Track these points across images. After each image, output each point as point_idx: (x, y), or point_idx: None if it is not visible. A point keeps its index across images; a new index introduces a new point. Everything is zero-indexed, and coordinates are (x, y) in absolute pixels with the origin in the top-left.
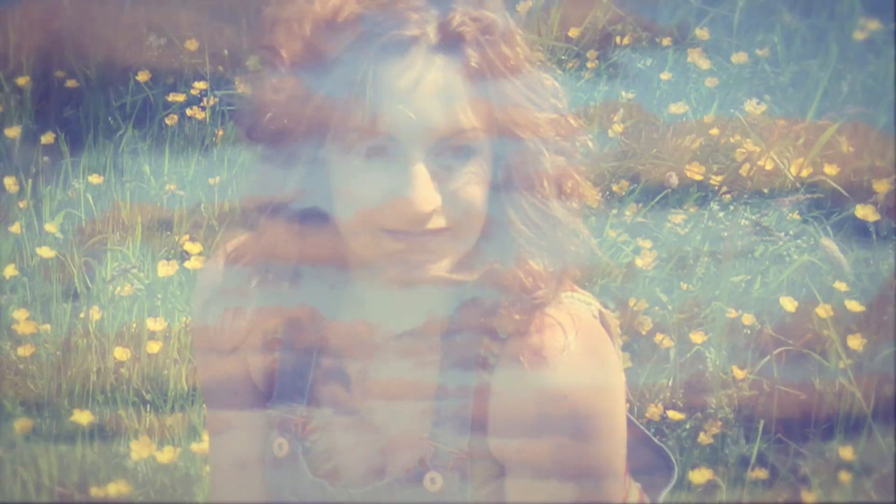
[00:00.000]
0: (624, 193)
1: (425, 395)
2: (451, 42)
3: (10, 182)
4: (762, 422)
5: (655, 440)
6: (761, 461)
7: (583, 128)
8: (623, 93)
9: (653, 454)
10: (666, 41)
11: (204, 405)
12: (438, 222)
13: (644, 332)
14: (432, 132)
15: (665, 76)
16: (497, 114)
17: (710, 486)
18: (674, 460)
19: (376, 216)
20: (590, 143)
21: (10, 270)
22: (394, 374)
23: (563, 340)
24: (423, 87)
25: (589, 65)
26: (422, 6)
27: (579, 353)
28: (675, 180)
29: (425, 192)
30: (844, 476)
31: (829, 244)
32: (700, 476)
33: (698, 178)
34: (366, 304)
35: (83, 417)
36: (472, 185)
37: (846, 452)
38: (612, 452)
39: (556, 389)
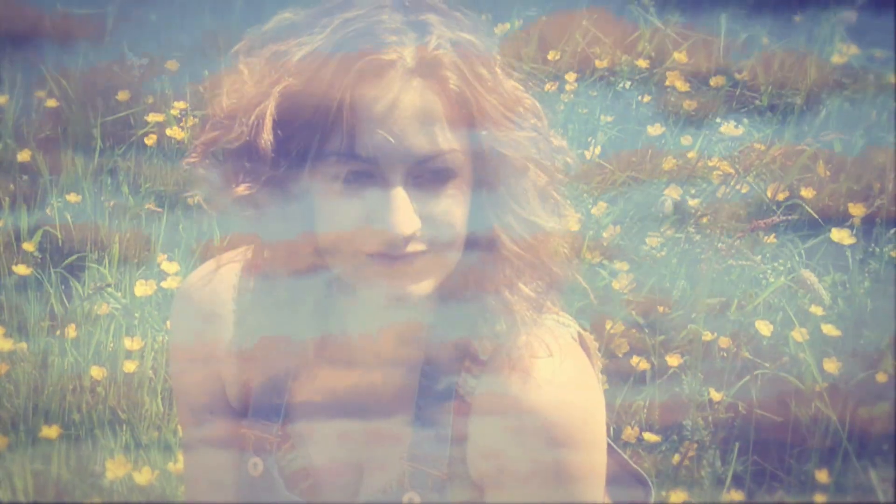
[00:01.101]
0: (601, 215)
1: (404, 414)
2: (428, 65)
3: None
4: (738, 444)
5: (632, 463)
6: (737, 483)
7: (564, 146)
8: (602, 116)
9: (629, 477)
10: (643, 63)
11: (179, 423)
12: (418, 245)
13: (620, 355)
14: (411, 155)
15: (644, 98)
16: (478, 134)
17: None
18: (651, 484)
19: (356, 240)
20: (570, 161)
21: None
22: (372, 394)
23: (544, 363)
24: (401, 111)
25: (567, 87)
26: (399, 29)
27: (559, 375)
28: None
29: (404, 216)
30: (820, 498)
31: (809, 276)
32: (676, 498)
33: (675, 196)
34: (347, 322)
35: (52, 432)
36: (452, 206)
37: (822, 475)
38: (590, 475)
39: (535, 411)
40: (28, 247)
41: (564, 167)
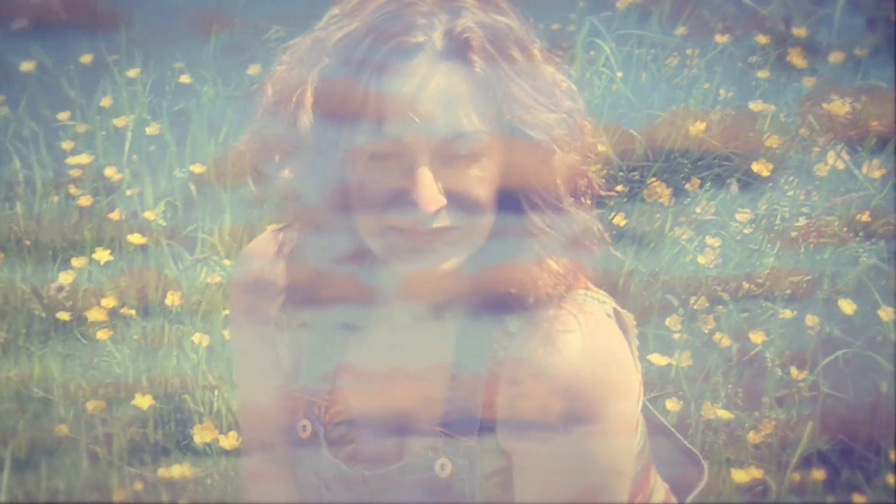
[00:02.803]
0: (693, 190)
1: (439, 384)
2: (456, 48)
3: (111, 171)
4: (818, 422)
5: (685, 442)
6: (823, 462)
7: (595, 129)
8: (721, 91)
9: (682, 456)
10: (764, 39)
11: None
12: (444, 222)
13: (706, 331)
14: (436, 136)
15: (762, 74)
16: (505, 116)
17: (760, 488)
18: (703, 462)
19: (385, 216)
20: (601, 147)
21: (104, 256)
22: (411, 363)
23: (572, 335)
24: (428, 93)
25: (691, 62)
26: (430, 12)
27: (587, 348)
28: (735, 188)
29: (429, 194)
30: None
31: None
32: (745, 475)
33: (765, 174)
34: (387, 294)
35: (144, 402)
36: (477, 186)
37: None
38: (616, 448)
39: (562, 382)
40: (149, 215)
41: (594, 148)
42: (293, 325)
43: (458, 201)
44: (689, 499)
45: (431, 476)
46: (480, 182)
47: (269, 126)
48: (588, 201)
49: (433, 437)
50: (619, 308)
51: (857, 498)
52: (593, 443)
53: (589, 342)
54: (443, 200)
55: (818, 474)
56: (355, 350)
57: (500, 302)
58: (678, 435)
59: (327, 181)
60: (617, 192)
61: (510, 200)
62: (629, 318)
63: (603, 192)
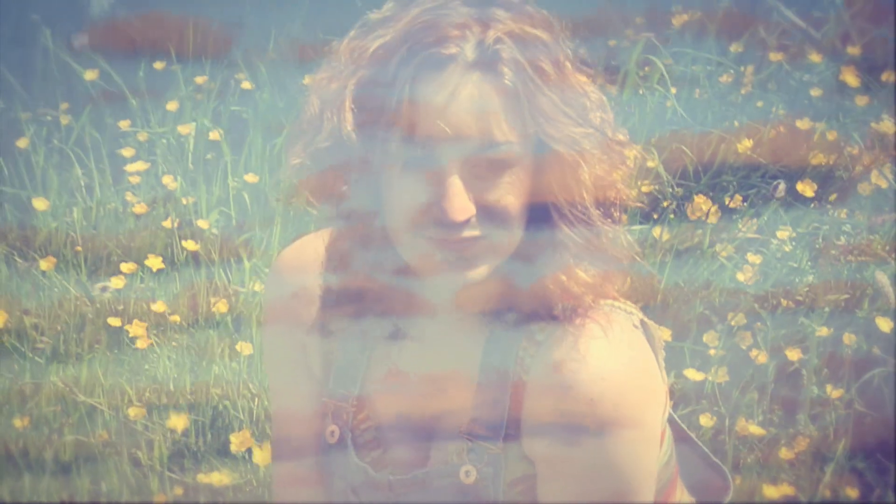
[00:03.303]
0: (738, 206)
1: (466, 392)
2: (487, 60)
3: (168, 179)
4: (847, 441)
5: (711, 455)
6: (859, 479)
7: (625, 140)
8: (774, 109)
9: (709, 469)
10: (817, 58)
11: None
12: (474, 231)
13: (743, 347)
14: (467, 145)
15: (815, 92)
16: (531, 129)
17: (792, 501)
18: (730, 477)
19: (416, 223)
20: (635, 154)
21: (156, 263)
22: (439, 370)
23: (598, 344)
24: (459, 103)
25: (745, 80)
26: (463, 24)
27: (613, 357)
28: (781, 190)
29: (459, 202)
30: None
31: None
32: (776, 491)
33: (809, 194)
34: (417, 301)
35: (179, 423)
36: (507, 195)
37: None
38: (639, 457)
39: (587, 391)
40: (203, 224)
41: (624, 160)
42: (326, 332)
43: (488, 211)
44: None
45: (456, 482)
46: (510, 192)
47: (316, 139)
48: (617, 213)
49: (459, 443)
50: (646, 319)
51: None
52: (617, 452)
53: (615, 352)
54: (473, 210)
55: (852, 492)
56: (384, 358)
57: (527, 311)
58: (705, 449)
59: (371, 191)
60: (663, 206)
61: (540, 211)
62: (656, 329)
63: (633, 204)
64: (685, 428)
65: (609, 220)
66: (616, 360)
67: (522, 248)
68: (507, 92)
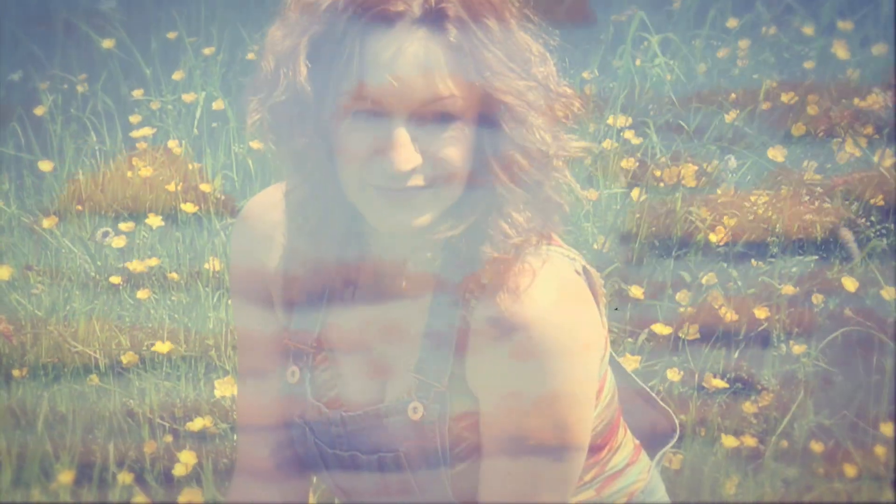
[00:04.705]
0: (714, 172)
1: (415, 332)
2: (432, 16)
3: (173, 144)
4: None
5: (659, 401)
6: (825, 435)
7: (569, 92)
8: (766, 81)
9: (655, 412)
10: (808, 30)
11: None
12: (418, 180)
13: (716, 306)
14: (412, 98)
15: (808, 65)
16: (477, 83)
17: (753, 453)
18: (676, 421)
19: (364, 173)
20: (576, 105)
21: (156, 221)
22: (391, 312)
23: (537, 285)
24: (405, 58)
25: (740, 53)
26: None
27: (549, 297)
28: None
29: (405, 153)
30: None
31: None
32: (735, 442)
33: (779, 160)
34: (370, 246)
35: (164, 347)
36: (451, 147)
37: (887, 429)
38: (574, 395)
39: (523, 328)
40: (205, 187)
41: (569, 112)
42: (288, 278)
43: (432, 161)
44: (660, 453)
45: (404, 418)
46: (454, 144)
47: (273, 94)
48: (560, 162)
49: (408, 381)
50: (588, 266)
51: (848, 469)
52: (554, 387)
53: (552, 290)
54: (418, 160)
55: (817, 447)
56: (341, 303)
57: (472, 256)
58: (651, 392)
59: (322, 142)
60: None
61: (482, 161)
62: (597, 276)
63: (576, 154)
64: (630, 373)
65: (552, 169)
66: (553, 298)
67: (465, 197)
68: (452, 48)
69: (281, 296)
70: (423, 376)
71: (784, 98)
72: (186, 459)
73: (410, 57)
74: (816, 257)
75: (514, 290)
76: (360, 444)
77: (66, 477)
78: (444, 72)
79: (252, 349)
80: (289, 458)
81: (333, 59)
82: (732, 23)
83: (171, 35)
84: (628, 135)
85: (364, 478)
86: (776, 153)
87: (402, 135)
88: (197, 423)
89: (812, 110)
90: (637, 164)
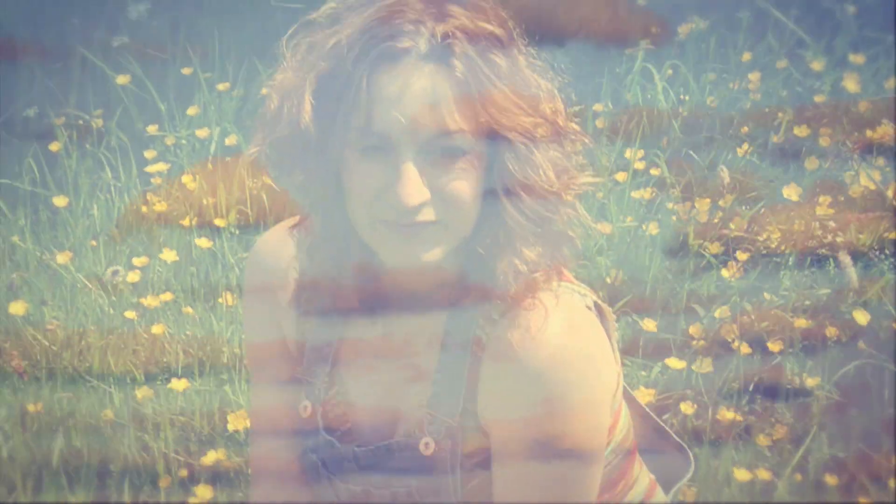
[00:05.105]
0: (727, 206)
1: (428, 370)
2: (439, 52)
3: (188, 179)
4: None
5: (672, 433)
6: (838, 468)
7: (577, 129)
8: (779, 114)
9: (669, 447)
10: (818, 65)
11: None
12: (428, 215)
13: (729, 339)
14: (420, 133)
15: (818, 98)
16: (483, 118)
17: (768, 486)
18: (690, 453)
19: (373, 208)
20: (586, 141)
21: (171, 256)
22: (403, 347)
23: (548, 323)
24: (412, 93)
25: (750, 86)
26: (417, 19)
27: (561, 335)
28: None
29: (413, 188)
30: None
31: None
32: (746, 474)
33: (795, 199)
34: (381, 282)
35: (179, 385)
36: (460, 181)
37: None
38: (585, 434)
39: (536, 368)
40: (220, 222)
41: (576, 148)
42: (300, 313)
43: (441, 196)
44: (675, 487)
45: (416, 454)
46: (463, 178)
47: (276, 129)
48: (570, 197)
49: (419, 417)
50: (600, 301)
51: (861, 500)
52: (565, 426)
53: (563, 329)
54: (427, 195)
55: (831, 480)
56: (354, 338)
57: (482, 293)
58: (666, 427)
59: (329, 178)
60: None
61: (492, 197)
62: (609, 312)
63: (585, 188)
64: (645, 407)
65: (561, 204)
66: (565, 336)
67: (475, 232)
68: (459, 83)
69: (293, 330)
70: (435, 412)
71: (796, 131)
72: (202, 494)
73: (418, 92)
74: (829, 290)
75: (525, 328)
76: (373, 479)
77: None
78: (451, 106)
79: (265, 383)
80: (302, 498)
81: (340, 95)
82: (746, 56)
83: (187, 71)
84: (640, 166)
85: None
86: (791, 192)
87: (410, 170)
88: (210, 457)
89: (824, 142)
90: (650, 197)
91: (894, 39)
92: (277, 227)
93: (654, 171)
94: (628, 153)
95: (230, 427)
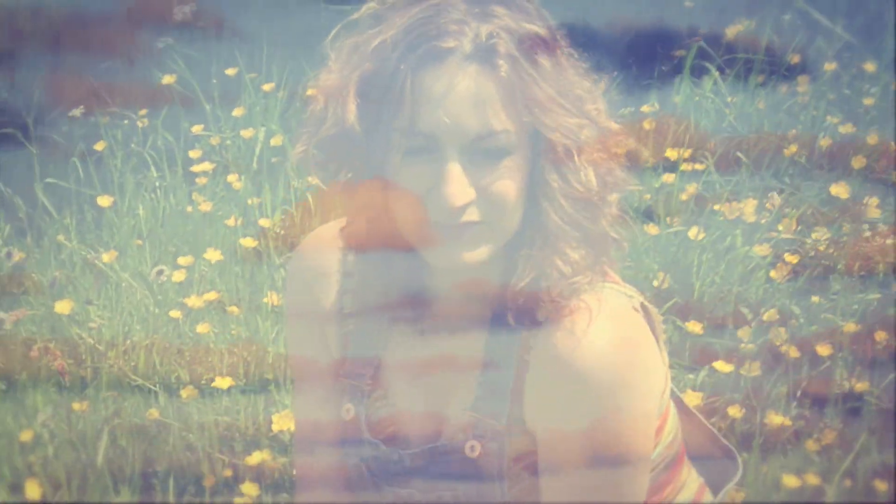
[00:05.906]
0: (774, 209)
1: (473, 372)
2: (483, 53)
3: (233, 178)
4: (874, 436)
5: (721, 438)
6: (882, 474)
7: (618, 129)
8: (828, 117)
9: (718, 451)
10: (871, 67)
11: (290, 370)
12: (472, 215)
13: (778, 343)
14: (465, 133)
15: (868, 101)
16: (526, 119)
17: (817, 491)
18: (739, 458)
19: (418, 209)
20: (630, 142)
21: (215, 255)
22: (448, 351)
23: (594, 326)
24: (457, 93)
25: (799, 89)
26: (461, 19)
27: (608, 337)
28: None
29: (458, 188)
30: None
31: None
32: (794, 480)
33: (844, 196)
34: (426, 284)
35: (223, 382)
36: (505, 181)
37: None
38: (632, 436)
39: (581, 369)
40: (265, 223)
41: (619, 148)
42: (344, 315)
43: (486, 196)
44: (723, 491)
45: (462, 457)
46: (507, 178)
47: (321, 129)
48: (613, 198)
49: (465, 419)
50: (646, 303)
51: None
52: (612, 428)
53: (611, 333)
54: (472, 195)
55: (881, 485)
56: (398, 339)
57: (527, 295)
58: (714, 430)
59: (369, 175)
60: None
61: (536, 196)
62: (656, 313)
63: (630, 188)
64: (694, 410)
65: (604, 205)
66: (611, 337)
67: (520, 232)
68: (503, 83)
69: (336, 332)
70: (481, 415)
71: (842, 129)
72: (248, 491)
73: (462, 92)
74: (879, 295)
75: (571, 329)
76: (418, 483)
77: None
78: (496, 106)
79: (307, 385)
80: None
81: (385, 96)
82: (794, 58)
83: (231, 71)
84: (686, 168)
85: None
86: (840, 189)
87: (456, 169)
88: (255, 458)
89: (872, 140)
90: (696, 198)
91: None
92: (323, 228)
93: (696, 173)
94: (675, 154)
95: (275, 427)
